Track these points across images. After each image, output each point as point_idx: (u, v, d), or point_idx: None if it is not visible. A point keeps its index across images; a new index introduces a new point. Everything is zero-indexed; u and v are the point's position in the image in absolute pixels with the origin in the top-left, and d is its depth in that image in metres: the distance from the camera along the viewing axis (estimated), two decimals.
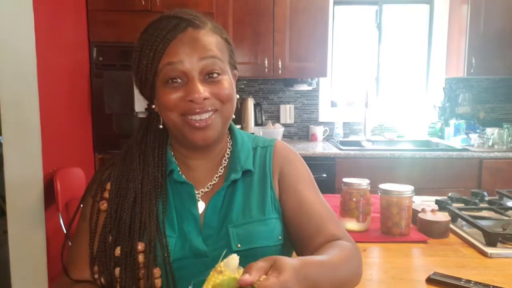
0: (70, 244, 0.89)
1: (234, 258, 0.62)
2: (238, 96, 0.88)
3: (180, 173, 0.87)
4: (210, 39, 0.80)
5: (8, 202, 2.11)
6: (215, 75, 0.80)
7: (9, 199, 2.11)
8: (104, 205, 0.83)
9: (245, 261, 0.69)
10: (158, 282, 0.78)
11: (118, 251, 0.79)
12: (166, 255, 0.78)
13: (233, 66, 0.88)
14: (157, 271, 0.78)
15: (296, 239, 0.85)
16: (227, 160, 0.90)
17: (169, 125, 0.83)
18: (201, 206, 0.86)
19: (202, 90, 0.77)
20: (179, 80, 0.78)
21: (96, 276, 0.80)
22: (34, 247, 2.16)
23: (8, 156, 2.09)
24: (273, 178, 0.89)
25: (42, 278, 2.19)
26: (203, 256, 0.81)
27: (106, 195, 0.84)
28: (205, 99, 0.78)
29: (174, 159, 0.88)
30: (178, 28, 0.78)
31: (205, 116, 0.79)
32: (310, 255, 0.76)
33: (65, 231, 2.23)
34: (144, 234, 0.79)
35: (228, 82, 0.82)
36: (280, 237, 0.85)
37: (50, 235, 2.22)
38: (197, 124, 0.79)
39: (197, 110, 0.78)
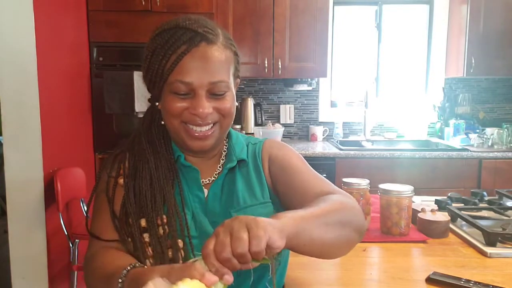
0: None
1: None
2: (237, 104, 0.91)
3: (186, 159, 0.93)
4: (221, 57, 0.83)
5: (9, 202, 2.12)
6: (220, 93, 0.85)
7: (10, 199, 2.11)
8: (121, 180, 0.88)
9: None
10: (182, 252, 0.83)
11: (143, 222, 0.83)
12: (186, 229, 0.84)
13: (237, 76, 0.92)
14: (180, 242, 0.83)
15: (292, 207, 0.90)
16: (225, 157, 0.96)
17: (170, 128, 0.88)
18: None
19: (207, 106, 0.83)
20: (186, 93, 0.83)
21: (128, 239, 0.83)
22: (35, 247, 2.16)
23: (9, 156, 2.09)
24: (264, 167, 0.96)
25: (42, 278, 2.19)
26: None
27: (122, 172, 0.89)
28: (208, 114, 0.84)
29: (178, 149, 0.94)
30: (192, 42, 0.81)
31: (205, 128, 0.86)
32: None
33: (65, 231, 2.23)
34: (164, 208, 0.84)
35: (231, 98, 0.87)
36: None
37: (50, 235, 2.23)
38: (196, 134, 0.86)
39: (199, 122, 0.84)
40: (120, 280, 0.68)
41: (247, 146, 0.99)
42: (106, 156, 0.97)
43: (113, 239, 0.84)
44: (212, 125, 0.86)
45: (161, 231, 0.82)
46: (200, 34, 0.82)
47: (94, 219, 0.89)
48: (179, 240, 0.83)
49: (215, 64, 0.82)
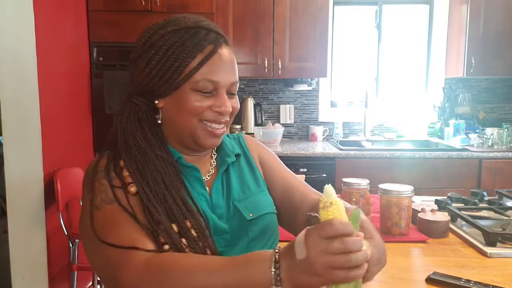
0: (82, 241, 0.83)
1: (329, 188, 0.66)
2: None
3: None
4: (234, 58, 0.91)
5: (9, 202, 2.11)
6: (234, 92, 0.91)
7: (10, 199, 2.11)
8: (132, 188, 0.80)
9: (257, 228, 0.91)
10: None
11: (175, 227, 0.79)
12: (207, 229, 0.84)
13: None
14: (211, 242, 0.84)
15: (285, 211, 1.00)
16: (216, 153, 1.01)
17: (182, 127, 0.86)
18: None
19: (229, 105, 0.88)
20: (209, 92, 0.86)
21: (166, 247, 0.76)
22: (35, 247, 2.16)
23: (9, 156, 2.09)
24: (255, 161, 1.04)
25: (42, 278, 2.19)
26: (224, 233, 0.89)
27: (128, 180, 0.81)
28: None
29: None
30: (218, 43, 0.85)
31: (222, 125, 0.90)
32: (300, 221, 0.91)
33: (65, 231, 2.23)
34: (187, 212, 0.83)
35: (237, 98, 0.93)
36: (273, 207, 0.99)
37: (50, 235, 2.23)
38: (216, 132, 0.89)
39: (220, 120, 0.88)
40: (276, 257, 0.64)
41: (231, 140, 1.05)
42: (94, 165, 0.88)
43: (153, 249, 0.74)
44: (224, 123, 0.91)
45: (194, 233, 0.80)
46: (221, 35, 0.87)
47: (113, 231, 0.76)
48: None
49: (234, 64, 0.89)
